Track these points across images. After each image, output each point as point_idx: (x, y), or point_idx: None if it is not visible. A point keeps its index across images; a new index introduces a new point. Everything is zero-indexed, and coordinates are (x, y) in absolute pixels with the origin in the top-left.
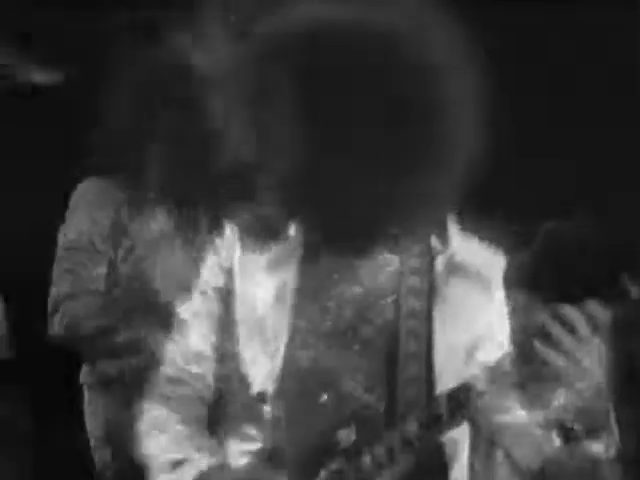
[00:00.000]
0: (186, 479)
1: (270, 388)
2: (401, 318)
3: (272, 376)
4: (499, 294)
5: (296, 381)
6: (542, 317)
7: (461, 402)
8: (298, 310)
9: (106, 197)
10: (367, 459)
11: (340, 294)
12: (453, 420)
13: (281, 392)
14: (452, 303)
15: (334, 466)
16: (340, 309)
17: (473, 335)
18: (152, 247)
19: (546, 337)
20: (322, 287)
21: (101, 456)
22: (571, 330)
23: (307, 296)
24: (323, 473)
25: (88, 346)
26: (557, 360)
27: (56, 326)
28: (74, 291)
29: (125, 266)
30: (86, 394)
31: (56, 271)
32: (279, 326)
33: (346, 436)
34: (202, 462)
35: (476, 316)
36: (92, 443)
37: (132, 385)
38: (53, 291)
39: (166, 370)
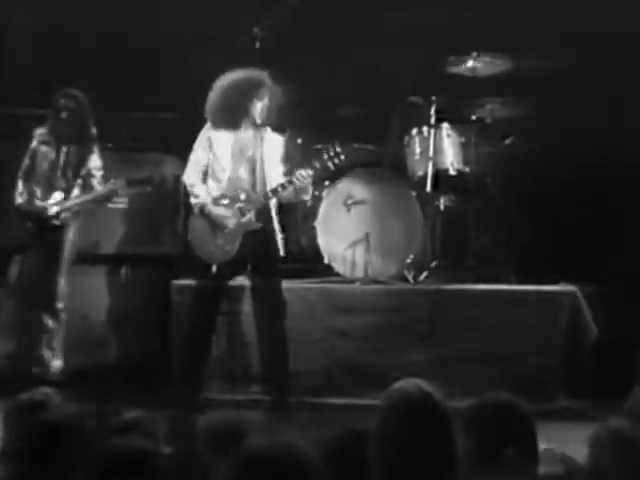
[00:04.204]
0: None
1: (227, 171)
2: (257, 161)
3: (227, 166)
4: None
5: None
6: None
7: (278, 189)
8: (233, 155)
9: None
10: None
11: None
12: (280, 193)
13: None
14: (268, 153)
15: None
16: (247, 152)
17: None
18: None
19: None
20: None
21: None
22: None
23: (236, 147)
24: None
25: None
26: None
27: None
28: None
29: None
30: None
31: None
32: (225, 152)
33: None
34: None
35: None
36: None
37: None
38: None
39: (189, 164)
